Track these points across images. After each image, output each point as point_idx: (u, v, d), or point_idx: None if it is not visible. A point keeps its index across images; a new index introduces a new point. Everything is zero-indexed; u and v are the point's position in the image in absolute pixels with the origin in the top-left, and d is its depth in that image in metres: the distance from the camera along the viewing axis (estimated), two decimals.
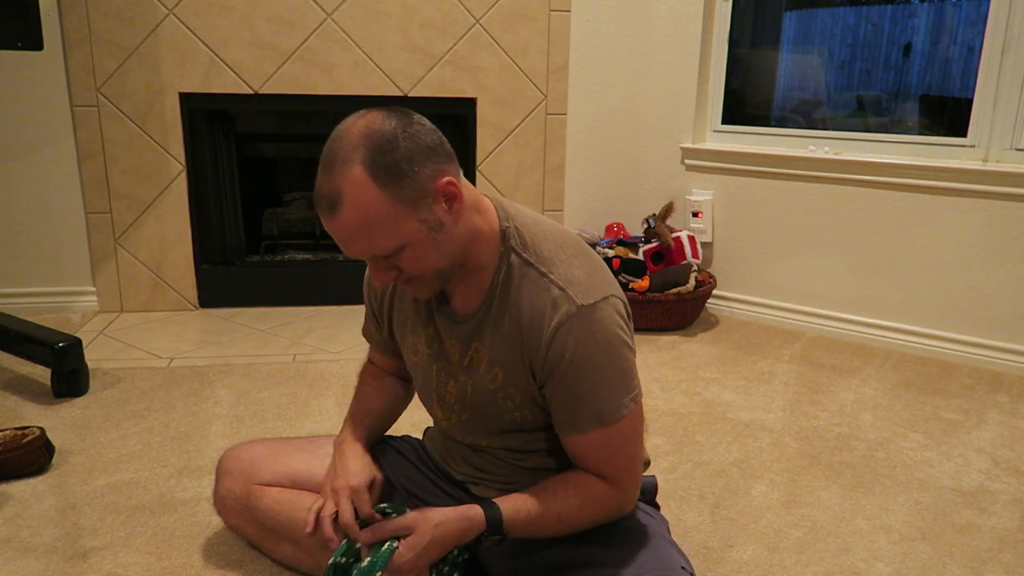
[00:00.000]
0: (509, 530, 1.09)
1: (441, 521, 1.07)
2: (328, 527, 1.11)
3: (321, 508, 1.13)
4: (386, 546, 1.08)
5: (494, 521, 1.08)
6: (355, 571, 1.08)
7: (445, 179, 0.99)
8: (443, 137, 1.02)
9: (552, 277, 1.06)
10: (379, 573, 1.06)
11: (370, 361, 1.39)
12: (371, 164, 0.95)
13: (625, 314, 1.09)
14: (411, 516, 1.08)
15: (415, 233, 0.99)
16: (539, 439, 1.16)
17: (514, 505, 1.09)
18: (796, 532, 1.54)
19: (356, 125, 0.98)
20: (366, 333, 1.34)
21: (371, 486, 1.17)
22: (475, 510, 1.08)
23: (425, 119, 1.01)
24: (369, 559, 1.08)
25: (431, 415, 1.26)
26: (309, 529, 1.13)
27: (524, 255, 1.08)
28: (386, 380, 1.34)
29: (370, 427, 1.28)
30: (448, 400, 1.19)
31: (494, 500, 1.10)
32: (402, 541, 1.07)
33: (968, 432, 2.00)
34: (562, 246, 1.10)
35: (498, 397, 1.12)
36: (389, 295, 1.23)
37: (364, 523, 1.12)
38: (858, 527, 1.56)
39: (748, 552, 1.47)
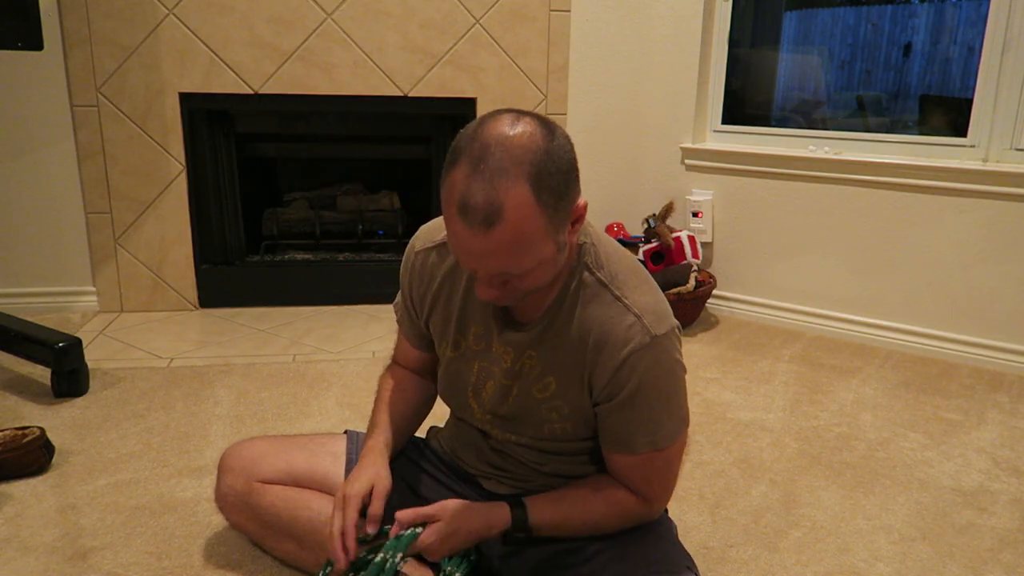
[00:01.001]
0: (535, 529, 1.10)
1: (465, 512, 1.09)
2: (338, 547, 1.10)
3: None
4: (408, 531, 1.10)
5: (519, 520, 1.10)
6: (375, 551, 1.11)
7: (583, 201, 0.98)
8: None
9: (627, 302, 1.05)
10: (400, 555, 1.09)
11: (394, 362, 1.36)
12: (537, 183, 0.90)
13: (681, 341, 1.11)
14: (436, 504, 1.10)
15: (549, 254, 0.96)
16: (567, 448, 1.17)
17: (541, 508, 1.11)
18: (796, 532, 1.54)
19: (515, 133, 0.91)
20: (400, 321, 1.31)
21: (372, 494, 1.15)
22: (502, 507, 1.10)
23: (561, 128, 0.96)
24: (391, 540, 1.10)
25: (460, 407, 1.24)
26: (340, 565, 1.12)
27: (598, 274, 1.07)
28: (409, 387, 1.32)
29: (392, 436, 1.26)
30: (483, 397, 1.18)
31: (523, 500, 1.12)
32: (427, 527, 1.09)
33: (968, 432, 2.00)
34: (634, 271, 1.10)
35: (543, 408, 1.12)
36: (434, 292, 1.20)
37: (363, 540, 1.14)
38: (858, 527, 1.56)
39: (748, 552, 1.47)
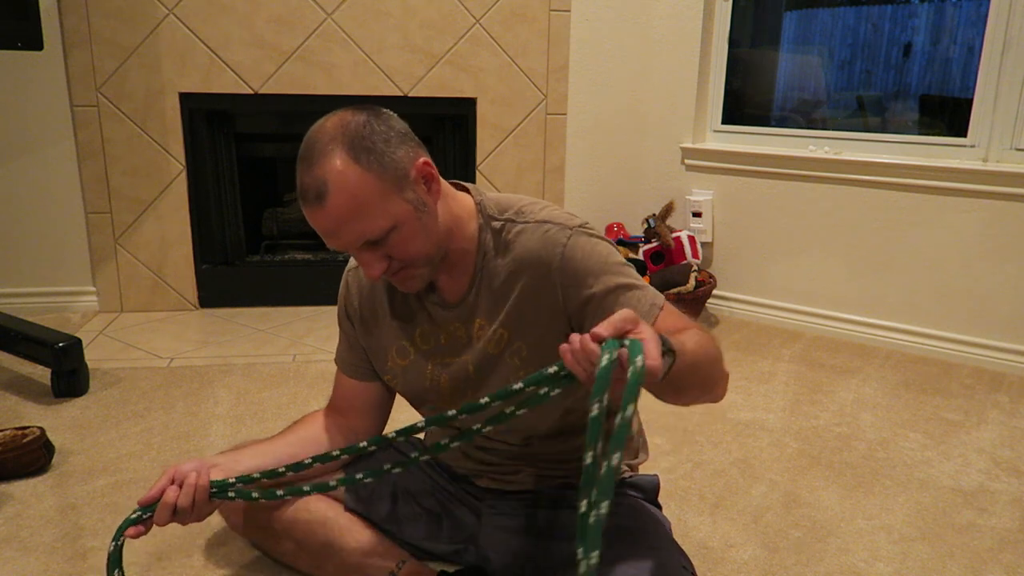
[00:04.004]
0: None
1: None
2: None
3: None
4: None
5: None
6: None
7: (422, 160, 1.03)
8: (410, 128, 1.06)
9: (538, 219, 1.10)
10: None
11: (330, 407, 1.33)
12: (350, 148, 0.97)
13: (603, 238, 1.12)
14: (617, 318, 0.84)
15: (403, 213, 1.01)
16: (544, 418, 1.17)
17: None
18: (796, 532, 1.54)
19: (329, 121, 1.01)
20: (340, 359, 1.34)
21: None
22: None
23: (392, 112, 1.06)
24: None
25: (429, 411, 1.25)
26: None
27: (503, 217, 1.12)
28: (314, 426, 1.29)
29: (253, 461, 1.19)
30: (444, 393, 1.20)
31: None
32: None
33: (968, 432, 2.00)
34: (534, 200, 1.14)
35: (505, 356, 1.13)
36: (371, 306, 1.24)
37: (381, 440, 1.05)
38: (858, 527, 1.56)
39: (748, 552, 1.47)
